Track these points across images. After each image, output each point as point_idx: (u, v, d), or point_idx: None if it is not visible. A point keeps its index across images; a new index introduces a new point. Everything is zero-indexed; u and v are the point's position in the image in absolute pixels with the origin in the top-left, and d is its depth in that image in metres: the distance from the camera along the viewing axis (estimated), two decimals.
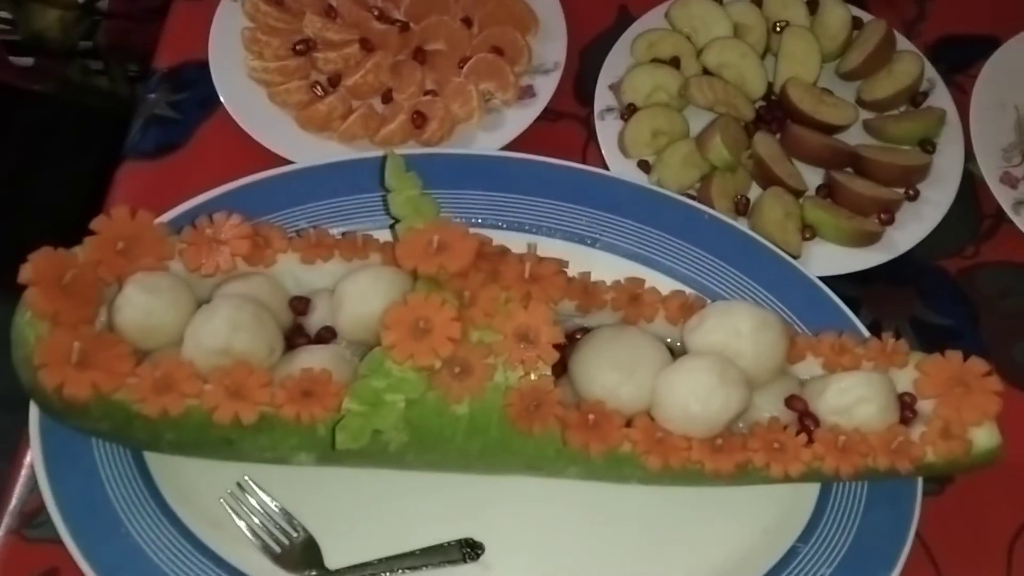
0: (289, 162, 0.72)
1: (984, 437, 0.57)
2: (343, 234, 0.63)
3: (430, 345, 0.52)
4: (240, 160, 0.73)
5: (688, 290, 0.65)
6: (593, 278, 0.63)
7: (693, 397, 0.55)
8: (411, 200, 0.60)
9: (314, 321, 0.60)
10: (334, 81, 0.76)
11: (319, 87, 0.75)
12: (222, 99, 0.75)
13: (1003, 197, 0.75)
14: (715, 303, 0.60)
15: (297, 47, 0.77)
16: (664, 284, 0.66)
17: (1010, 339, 0.72)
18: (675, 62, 0.78)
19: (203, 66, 0.78)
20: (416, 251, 0.56)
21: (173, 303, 0.56)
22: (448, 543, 0.60)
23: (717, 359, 0.56)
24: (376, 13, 0.79)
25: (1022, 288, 0.74)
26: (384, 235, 0.66)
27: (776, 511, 0.62)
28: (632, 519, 0.61)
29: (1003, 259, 0.75)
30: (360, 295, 0.58)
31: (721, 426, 0.56)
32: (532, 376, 0.54)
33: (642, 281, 0.63)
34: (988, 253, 0.75)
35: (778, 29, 0.80)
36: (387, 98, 0.76)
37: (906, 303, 0.73)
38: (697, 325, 0.59)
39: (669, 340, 0.61)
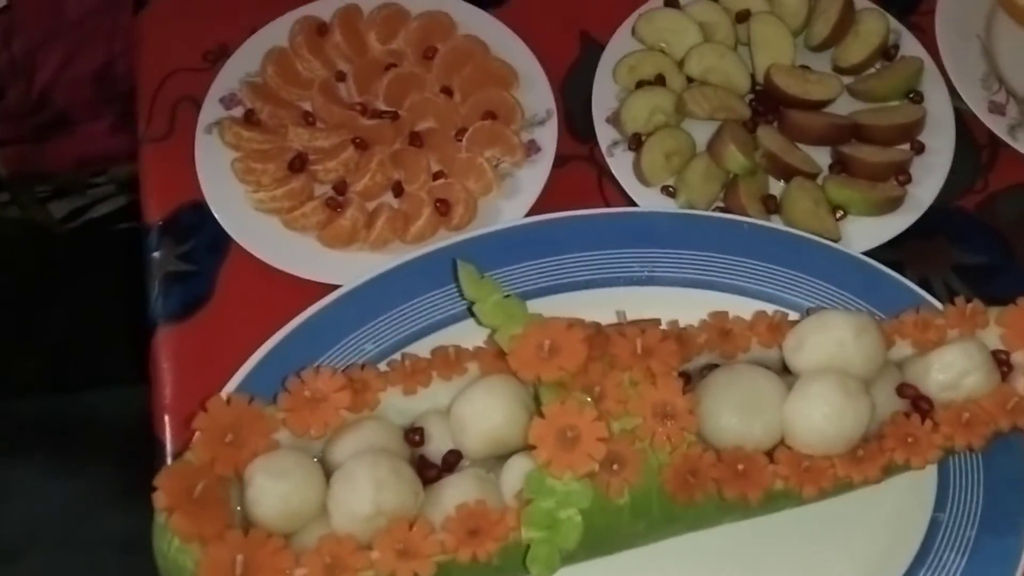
0: (327, 285, 0.71)
1: None
2: (432, 352, 0.62)
3: (583, 452, 0.53)
4: (274, 294, 0.72)
5: (765, 306, 0.67)
6: (655, 314, 0.65)
7: (827, 421, 0.57)
8: (498, 306, 0.60)
9: (433, 448, 0.60)
10: (340, 189, 0.75)
11: (334, 202, 0.73)
12: (235, 239, 0.73)
13: (996, 125, 0.79)
14: (807, 319, 0.62)
15: (293, 165, 0.75)
16: (732, 304, 0.68)
17: None
18: (660, 80, 0.79)
19: (198, 207, 0.75)
20: (530, 360, 0.56)
21: (305, 481, 0.55)
22: None
23: (835, 377, 0.58)
24: (359, 108, 0.77)
25: None
26: (456, 329, 0.67)
27: (904, 489, 0.64)
28: (780, 541, 0.63)
29: (1012, 183, 0.79)
30: (479, 414, 0.57)
31: (858, 438, 0.58)
32: (681, 448, 0.55)
33: (725, 313, 0.64)
34: (996, 182, 0.79)
35: (741, 19, 0.82)
36: (398, 191, 0.75)
37: (943, 253, 0.76)
38: (798, 345, 0.61)
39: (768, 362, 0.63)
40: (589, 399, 0.55)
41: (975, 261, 0.76)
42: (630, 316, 0.66)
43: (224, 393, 0.63)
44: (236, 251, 0.74)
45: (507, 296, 0.60)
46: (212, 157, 0.76)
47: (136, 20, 0.87)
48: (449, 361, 0.61)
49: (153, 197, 0.78)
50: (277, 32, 0.81)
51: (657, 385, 0.56)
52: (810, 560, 0.64)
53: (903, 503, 0.64)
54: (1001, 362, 0.62)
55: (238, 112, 0.78)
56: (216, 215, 0.73)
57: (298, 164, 0.75)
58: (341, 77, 0.80)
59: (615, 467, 0.54)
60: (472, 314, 0.62)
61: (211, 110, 0.78)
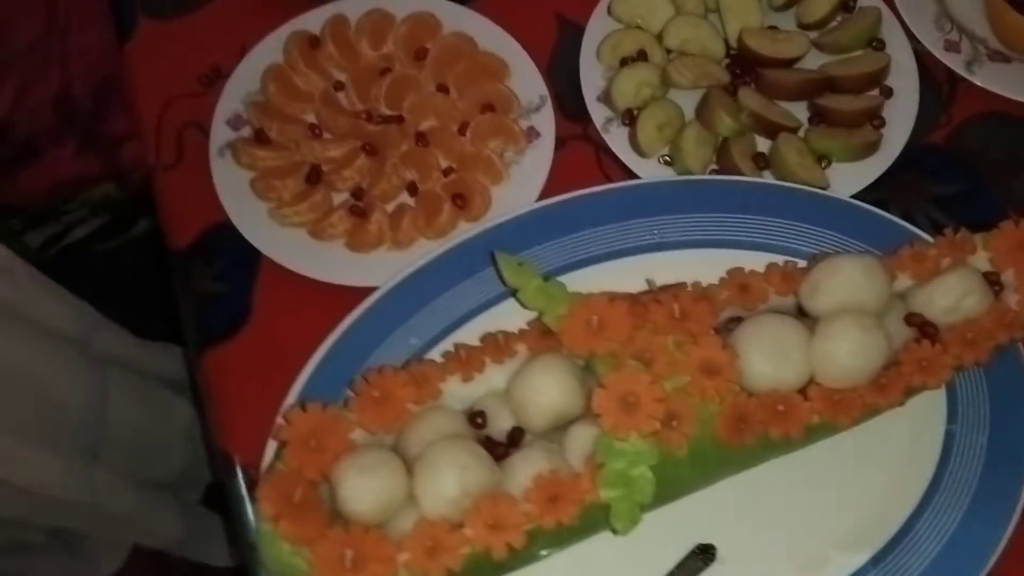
0: (361, 289, 0.74)
1: None
2: (482, 339, 0.67)
3: (645, 413, 0.58)
4: (311, 303, 0.75)
5: (772, 258, 0.73)
6: (669, 276, 0.71)
7: (850, 356, 0.63)
8: (540, 290, 0.64)
9: (495, 428, 0.65)
10: (359, 195, 0.78)
11: (357, 209, 0.77)
12: (266, 254, 0.76)
13: (953, 62, 0.85)
14: (817, 266, 0.68)
15: (310, 177, 0.78)
16: (740, 259, 0.73)
17: (1012, 175, 0.83)
18: (642, 55, 0.83)
19: (223, 228, 0.78)
20: (581, 336, 0.61)
21: (392, 473, 0.60)
22: (687, 558, 0.67)
23: (852, 315, 0.64)
24: (364, 116, 0.81)
25: (999, 133, 0.85)
26: (493, 312, 0.72)
27: (918, 408, 0.70)
28: (819, 467, 0.69)
29: (973, 113, 0.85)
30: (538, 391, 0.62)
31: (879, 368, 0.64)
32: (729, 398, 0.61)
33: (741, 269, 0.70)
34: (959, 115, 0.85)
35: None
36: (413, 190, 0.79)
37: (921, 187, 0.82)
38: (812, 291, 0.67)
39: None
40: (642, 365, 0.60)
41: (951, 191, 0.82)
42: (647, 278, 0.71)
43: (294, 402, 0.67)
44: (267, 266, 0.77)
45: (547, 279, 0.65)
46: (229, 178, 0.78)
47: (124, 53, 0.88)
48: (499, 346, 0.66)
49: (176, 224, 0.80)
50: (268, 50, 0.83)
51: (699, 344, 0.61)
52: (848, 480, 0.70)
53: (919, 421, 0.71)
54: (993, 282, 0.68)
55: (247, 132, 0.80)
56: (244, 234, 0.76)
57: (315, 176, 0.78)
58: (339, 87, 0.83)
59: (674, 423, 0.59)
60: (514, 298, 0.67)
61: (220, 133, 0.80)
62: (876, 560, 0.68)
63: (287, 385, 0.69)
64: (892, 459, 0.71)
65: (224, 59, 0.86)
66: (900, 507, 0.69)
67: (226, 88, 0.82)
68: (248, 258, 0.77)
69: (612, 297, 0.63)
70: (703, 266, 0.72)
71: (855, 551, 0.69)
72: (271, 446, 0.67)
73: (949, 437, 0.71)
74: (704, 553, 0.67)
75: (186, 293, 0.78)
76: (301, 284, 0.76)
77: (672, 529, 0.67)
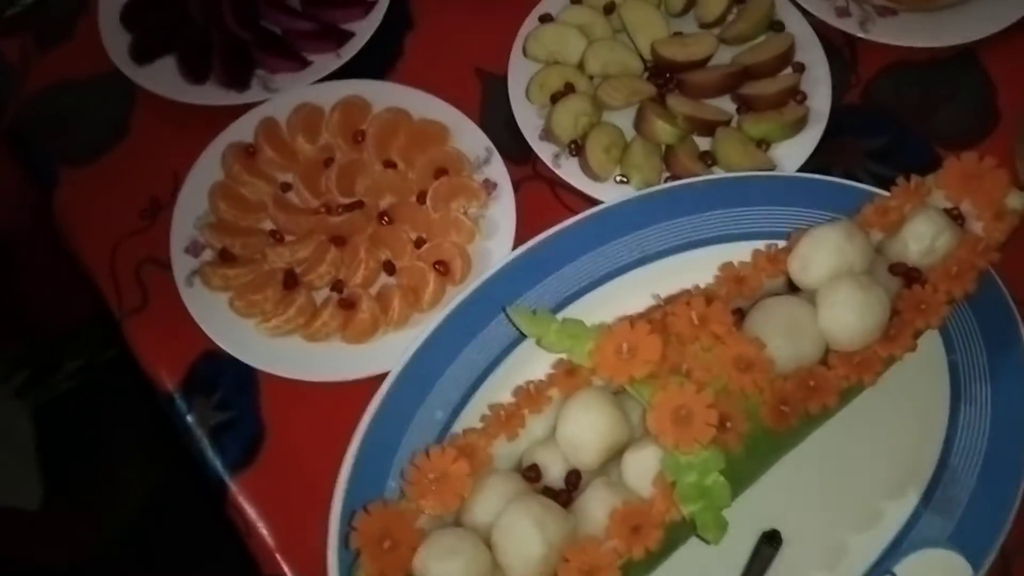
0: (368, 378, 0.74)
1: (1015, 199, 0.72)
2: (514, 393, 0.67)
3: (700, 423, 0.60)
4: (322, 404, 0.75)
5: (751, 245, 0.76)
6: (659, 286, 0.74)
7: (859, 317, 0.66)
8: (561, 332, 0.66)
9: (550, 477, 0.65)
10: (339, 287, 0.78)
11: (345, 302, 0.76)
12: (264, 370, 0.75)
13: (848, 26, 0.90)
14: (801, 242, 0.71)
15: (287, 283, 0.77)
16: (721, 253, 0.76)
17: (929, 116, 0.89)
18: (570, 87, 0.86)
19: (210, 356, 0.77)
20: (617, 365, 0.62)
21: (472, 549, 0.59)
22: (758, 548, 0.69)
23: (849, 279, 0.67)
24: (324, 210, 0.81)
25: (906, 79, 0.91)
26: (507, 364, 0.73)
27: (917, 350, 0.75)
28: (840, 437, 0.72)
29: (878, 68, 0.91)
30: (587, 429, 0.63)
31: (886, 322, 0.67)
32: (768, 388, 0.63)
33: (731, 263, 0.72)
34: (866, 72, 0.91)
35: (609, 11, 0.90)
36: (391, 269, 0.79)
37: (853, 147, 0.87)
38: (803, 266, 0.70)
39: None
40: (684, 377, 0.62)
41: (880, 143, 0.88)
42: (653, 293, 0.73)
43: (344, 506, 0.66)
44: (267, 380, 0.76)
45: (564, 320, 0.66)
46: (204, 305, 0.77)
47: (54, 208, 0.86)
48: (532, 396, 0.67)
49: (160, 366, 0.78)
50: (205, 170, 0.83)
51: (727, 343, 0.63)
52: (878, 434, 0.73)
53: (923, 359, 0.75)
54: (955, 216, 0.73)
55: (208, 255, 0.79)
56: (237, 356, 0.75)
57: (291, 281, 0.77)
58: (287, 187, 0.83)
59: (727, 424, 0.61)
60: (538, 346, 0.68)
61: (182, 262, 0.79)
62: (926, 499, 0.71)
63: (325, 492, 0.68)
64: (910, 402, 0.74)
65: (159, 189, 0.85)
66: (932, 443, 0.73)
67: (174, 216, 0.81)
68: (246, 378, 0.76)
69: (632, 320, 0.64)
70: (691, 268, 0.75)
71: (904, 496, 0.72)
72: (332, 556, 0.66)
73: (953, 367, 0.75)
74: (771, 540, 0.69)
75: (191, 430, 0.76)
76: (308, 388, 0.75)
77: (733, 524, 0.68)
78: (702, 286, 0.72)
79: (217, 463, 0.74)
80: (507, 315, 0.68)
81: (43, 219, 0.91)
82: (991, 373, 0.74)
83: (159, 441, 0.96)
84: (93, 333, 1.38)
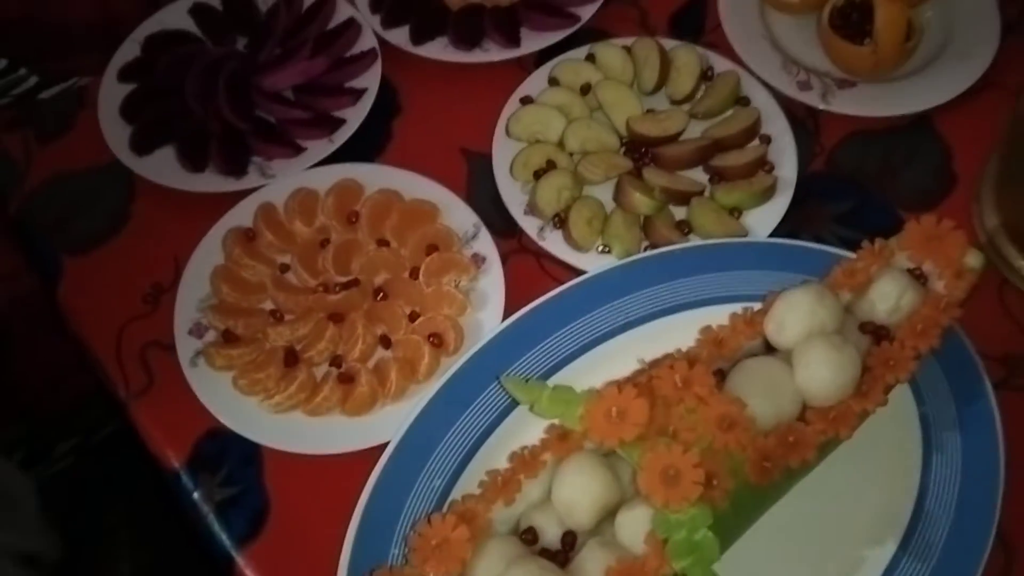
0: (369, 449, 0.77)
1: (973, 259, 0.77)
2: (510, 459, 0.71)
3: (689, 481, 0.63)
4: (324, 477, 0.78)
5: (729, 307, 0.80)
6: (645, 350, 0.78)
7: (832, 374, 0.70)
8: (553, 399, 0.69)
9: (546, 540, 0.68)
10: (338, 362, 0.81)
11: (344, 377, 0.80)
12: (268, 446, 0.78)
13: (810, 99, 0.96)
14: (775, 305, 0.75)
15: (288, 361, 0.81)
16: (702, 316, 0.80)
17: (890, 180, 0.94)
18: (551, 164, 0.91)
19: (216, 433, 0.80)
20: (607, 429, 0.66)
21: None
22: None
23: (822, 339, 0.71)
24: (322, 289, 0.84)
25: (866, 147, 0.96)
26: (500, 432, 0.76)
27: (890, 405, 0.79)
28: (818, 489, 0.75)
29: (840, 137, 0.97)
30: (581, 491, 0.66)
31: (858, 378, 0.71)
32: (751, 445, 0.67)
33: (710, 326, 0.76)
34: (827, 140, 0.97)
35: (585, 92, 0.96)
36: (386, 343, 0.83)
37: (820, 212, 0.92)
38: (779, 328, 0.74)
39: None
40: (670, 439, 0.65)
41: (846, 207, 0.93)
42: (639, 358, 0.77)
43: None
44: (270, 455, 0.79)
45: (556, 387, 0.70)
46: (209, 385, 0.80)
47: (58, 297, 0.89)
48: (527, 461, 0.70)
49: (166, 446, 0.81)
50: (205, 254, 0.86)
51: (709, 404, 0.67)
52: (855, 484, 0.77)
53: (896, 412, 0.79)
54: (918, 276, 0.78)
55: (211, 336, 0.82)
56: (243, 434, 0.78)
57: (292, 358, 0.81)
58: (285, 268, 0.86)
59: (714, 482, 0.64)
60: (531, 412, 0.71)
61: (186, 345, 0.82)
62: (904, 545, 0.75)
63: (330, 561, 0.71)
64: (885, 453, 0.78)
65: (161, 274, 0.89)
66: (907, 491, 0.76)
67: (177, 300, 0.84)
68: (250, 454, 0.79)
69: (619, 385, 0.68)
70: (673, 332, 0.79)
71: (883, 543, 0.75)
72: None
73: (924, 418, 0.79)
74: None
75: (197, 507, 0.78)
76: (311, 460, 0.78)
77: None
78: (684, 349, 0.76)
79: (223, 537, 0.77)
80: (501, 384, 0.72)
81: (40, 304, 0.95)
82: (960, 422, 0.78)
83: (157, 516, 0.98)
84: (88, 413, 1.41)
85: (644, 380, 0.70)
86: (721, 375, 0.73)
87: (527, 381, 0.71)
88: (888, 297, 0.75)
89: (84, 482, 1.47)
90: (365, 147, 0.95)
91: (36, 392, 1.36)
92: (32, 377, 1.33)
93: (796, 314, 0.73)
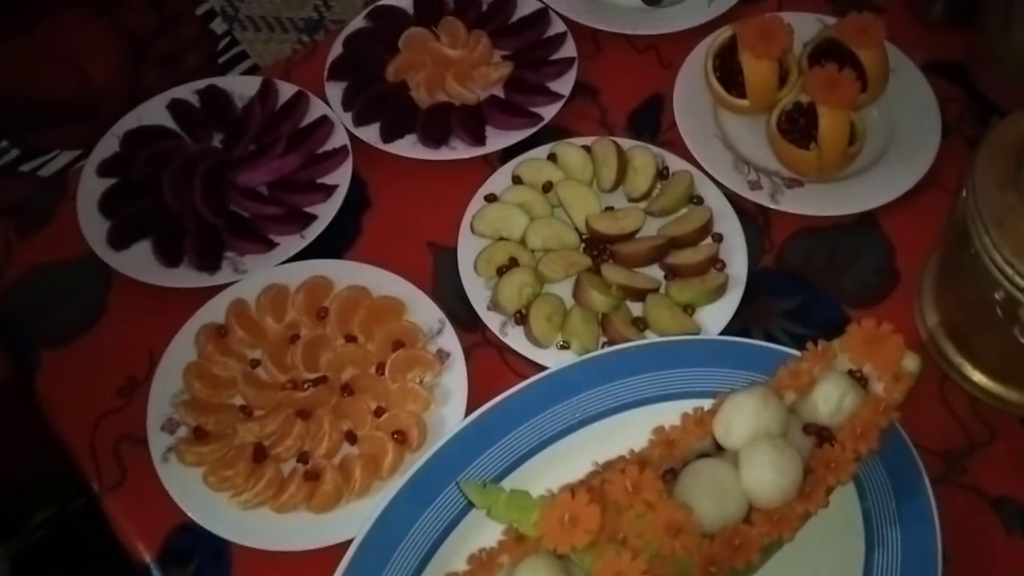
0: (335, 545, 0.80)
1: (910, 362, 0.82)
2: (468, 561, 0.73)
3: None
4: (292, 569, 0.80)
5: (680, 405, 0.84)
6: (597, 447, 0.81)
7: (775, 477, 0.73)
8: (509, 503, 0.72)
9: None
10: (304, 459, 0.84)
11: (311, 474, 0.82)
12: (236, 542, 0.81)
13: (760, 198, 1.01)
14: (722, 408, 0.79)
15: (256, 457, 0.83)
16: (655, 414, 0.84)
17: (837, 277, 0.99)
18: (514, 261, 0.95)
19: (185, 528, 0.82)
20: (559, 535, 0.69)
21: None
22: None
23: (766, 442, 0.75)
24: (290, 386, 0.87)
25: (813, 244, 1.01)
26: (460, 529, 0.79)
27: (834, 500, 0.82)
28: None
29: (788, 234, 1.01)
30: None
31: (800, 480, 0.75)
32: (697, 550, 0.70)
33: (663, 427, 0.80)
34: (777, 238, 1.01)
35: (547, 190, 1.00)
36: (352, 439, 0.86)
37: (769, 308, 0.96)
38: (725, 431, 0.77)
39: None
40: (620, 546, 0.69)
41: (794, 304, 0.97)
42: (593, 460, 0.80)
43: None
44: (239, 551, 0.81)
45: (512, 492, 0.73)
46: (180, 481, 0.83)
47: (36, 388, 0.91)
48: (484, 564, 0.73)
49: (137, 539, 0.83)
50: (178, 349, 0.89)
51: (657, 510, 0.70)
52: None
53: (840, 508, 0.83)
54: (858, 378, 0.82)
55: (183, 432, 0.85)
56: (212, 530, 0.80)
57: (260, 454, 0.84)
58: (256, 364, 0.89)
59: None
60: (488, 516, 0.75)
61: (158, 440, 0.85)
62: None
63: None
64: (829, 550, 0.81)
65: (136, 367, 0.91)
66: None
67: (151, 395, 0.87)
68: (219, 550, 0.82)
69: (573, 489, 0.71)
70: (627, 429, 0.82)
71: None
72: None
73: (867, 514, 0.83)
74: None
75: None
76: (278, 557, 0.81)
77: None
78: (637, 449, 0.79)
79: None
80: (459, 488, 0.75)
81: (16, 381, 0.97)
82: (900, 517, 0.82)
83: None
84: (63, 484, 1.42)
85: (597, 483, 0.73)
86: (673, 474, 0.77)
87: (484, 485, 0.74)
88: (830, 399, 0.79)
89: (58, 553, 1.48)
90: (335, 241, 0.99)
91: (9, 467, 1.37)
92: (4, 453, 1.34)
93: (741, 417, 0.77)
